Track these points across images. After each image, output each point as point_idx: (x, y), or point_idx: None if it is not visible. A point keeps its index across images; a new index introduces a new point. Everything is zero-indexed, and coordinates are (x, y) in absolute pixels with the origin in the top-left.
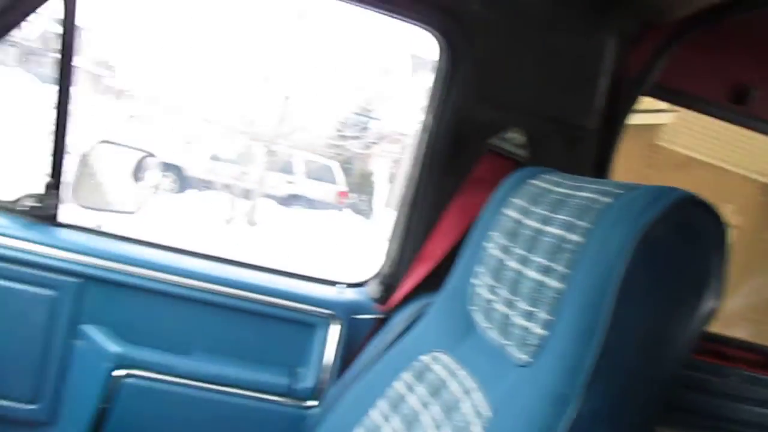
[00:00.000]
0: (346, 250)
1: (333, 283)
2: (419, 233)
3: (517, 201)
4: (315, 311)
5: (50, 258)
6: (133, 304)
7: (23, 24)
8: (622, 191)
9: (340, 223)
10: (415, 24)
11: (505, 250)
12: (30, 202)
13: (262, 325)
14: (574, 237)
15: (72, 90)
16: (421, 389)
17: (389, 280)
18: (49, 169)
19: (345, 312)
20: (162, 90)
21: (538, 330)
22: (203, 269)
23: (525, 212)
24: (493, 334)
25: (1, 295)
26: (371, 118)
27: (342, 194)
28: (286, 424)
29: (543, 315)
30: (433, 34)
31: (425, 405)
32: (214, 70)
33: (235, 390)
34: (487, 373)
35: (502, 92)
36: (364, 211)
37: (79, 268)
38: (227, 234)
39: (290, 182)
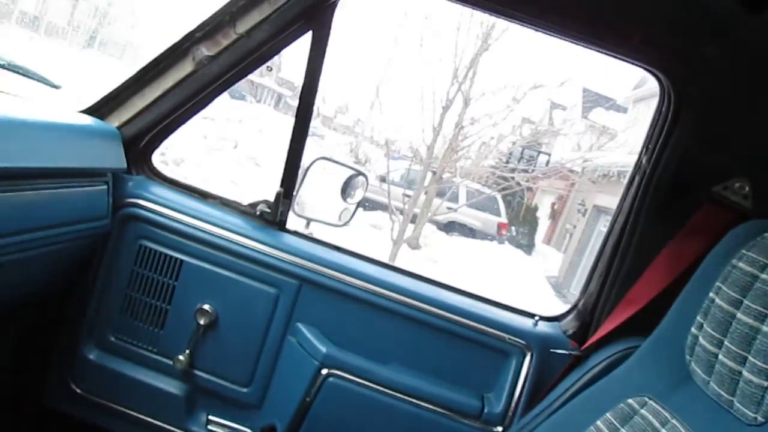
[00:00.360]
0: (509, 282)
1: (528, 314)
2: (624, 274)
3: (752, 254)
4: (510, 339)
5: (276, 259)
6: (342, 310)
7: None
8: None
9: (500, 255)
10: (636, 65)
11: (736, 303)
12: (263, 208)
13: (458, 346)
14: None
15: (311, 113)
16: None
17: (587, 318)
18: (281, 180)
19: (539, 344)
20: (336, 111)
21: None
22: (408, 286)
23: (761, 267)
24: (717, 389)
25: (233, 287)
26: (540, 152)
27: (503, 226)
28: None
29: None
30: (655, 75)
31: None
32: (392, 93)
33: (427, 404)
34: (706, 427)
35: (729, 137)
36: (523, 245)
37: (299, 271)
38: (392, 255)
39: (453, 209)
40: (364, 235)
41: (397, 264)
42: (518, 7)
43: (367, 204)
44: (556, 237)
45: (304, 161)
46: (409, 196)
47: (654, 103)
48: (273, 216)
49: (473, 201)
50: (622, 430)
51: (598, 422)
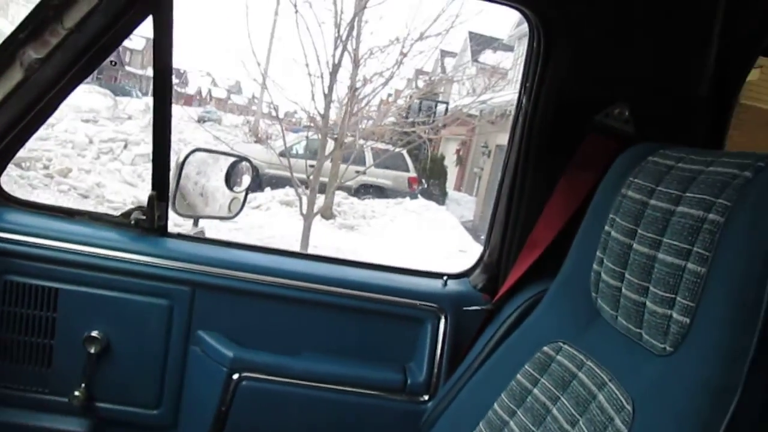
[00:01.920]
0: (427, 237)
1: (436, 275)
2: (523, 220)
3: (639, 181)
4: (421, 305)
5: (162, 268)
6: (242, 309)
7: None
8: (763, 164)
9: (415, 209)
10: (502, 3)
11: (631, 234)
12: (137, 216)
13: (370, 322)
14: (713, 216)
15: (170, 104)
16: (546, 382)
17: (494, 270)
18: (152, 182)
19: (452, 304)
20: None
21: (679, 317)
22: (308, 270)
23: (650, 192)
24: (624, 323)
25: (120, 307)
26: (438, 101)
27: (413, 180)
28: (400, 419)
29: (683, 301)
30: (521, 11)
31: (553, 399)
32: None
33: (348, 388)
34: (620, 364)
35: (605, 66)
36: (436, 196)
37: (189, 276)
38: (306, 228)
39: (361, 172)
40: (275, 213)
41: (293, 249)
42: None
43: (274, 181)
44: (466, 182)
45: (178, 157)
46: (313, 167)
47: None
48: (150, 222)
49: (380, 160)
50: (542, 380)
51: (518, 376)
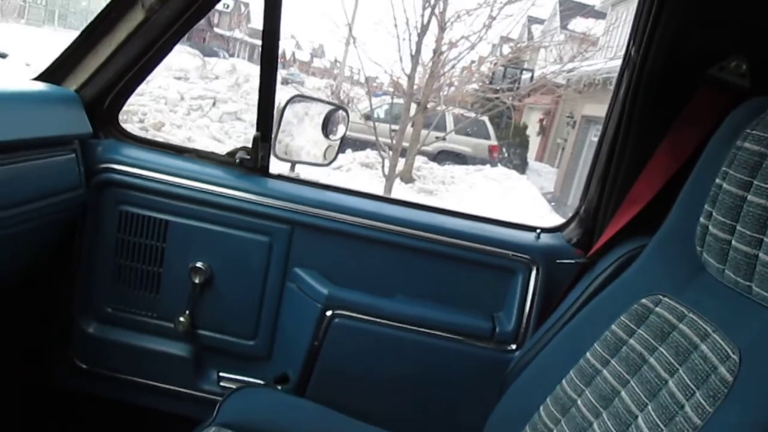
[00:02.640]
0: (507, 205)
1: (529, 228)
2: (623, 174)
3: (757, 132)
4: (514, 256)
5: (263, 206)
6: (338, 249)
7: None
8: None
9: (494, 178)
10: None
11: (746, 186)
12: (242, 156)
13: (461, 269)
14: None
15: (277, 49)
16: (643, 333)
17: (590, 225)
18: (256, 124)
19: (544, 256)
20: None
21: None
22: (404, 216)
23: None
24: (733, 276)
25: (223, 242)
26: (523, 69)
27: (494, 149)
28: (486, 366)
29: None
30: None
31: (650, 349)
32: (365, 28)
33: (437, 332)
34: (726, 316)
35: (719, 16)
36: (516, 165)
37: (289, 215)
38: (386, 191)
39: (441, 138)
40: (356, 175)
41: (418, 195)
42: None
43: (356, 143)
44: (548, 153)
45: (279, 102)
46: (395, 130)
47: (631, 3)
48: (253, 162)
49: (461, 126)
50: (639, 330)
51: (614, 326)
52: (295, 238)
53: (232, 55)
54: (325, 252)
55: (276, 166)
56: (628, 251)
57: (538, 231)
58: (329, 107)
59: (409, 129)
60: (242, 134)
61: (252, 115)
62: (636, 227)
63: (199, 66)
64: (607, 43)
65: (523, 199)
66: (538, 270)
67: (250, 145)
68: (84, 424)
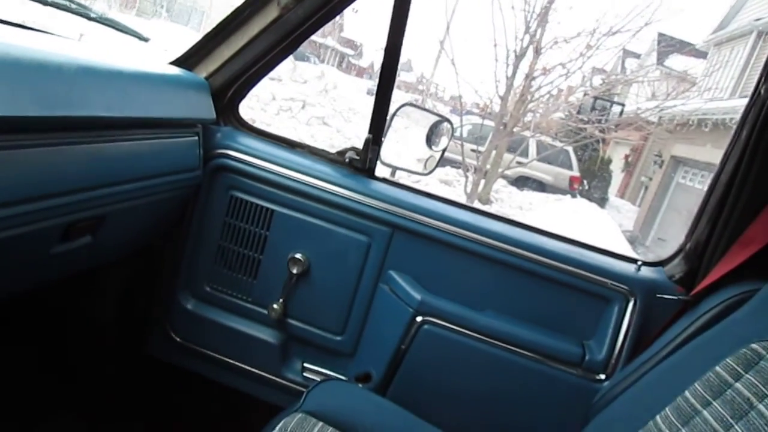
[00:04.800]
0: (583, 238)
1: (629, 259)
2: (738, 215)
3: None
4: (612, 285)
5: (367, 206)
6: (435, 256)
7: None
8: None
9: (573, 209)
10: None
11: None
12: (352, 156)
13: (556, 292)
14: None
15: (398, 58)
16: (752, 378)
17: (695, 262)
18: (369, 127)
19: (643, 289)
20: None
21: None
22: (503, 231)
23: None
24: None
25: (324, 236)
26: (613, 102)
27: (575, 180)
28: (572, 393)
29: None
30: None
31: (760, 396)
32: (457, 46)
33: (525, 352)
34: None
35: None
36: (596, 199)
37: (390, 218)
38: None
39: (523, 163)
40: (434, 191)
41: (494, 211)
42: None
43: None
44: (631, 190)
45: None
46: (476, 151)
47: (739, 45)
48: (362, 163)
49: (544, 155)
50: (747, 375)
51: (718, 368)
52: (394, 241)
53: (322, 62)
54: (421, 258)
55: (378, 170)
56: (737, 293)
57: (639, 263)
58: (436, 118)
59: (490, 150)
60: (327, 139)
61: (337, 122)
62: (747, 270)
63: (291, 69)
64: (705, 84)
65: (601, 233)
66: (635, 302)
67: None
68: (169, 393)
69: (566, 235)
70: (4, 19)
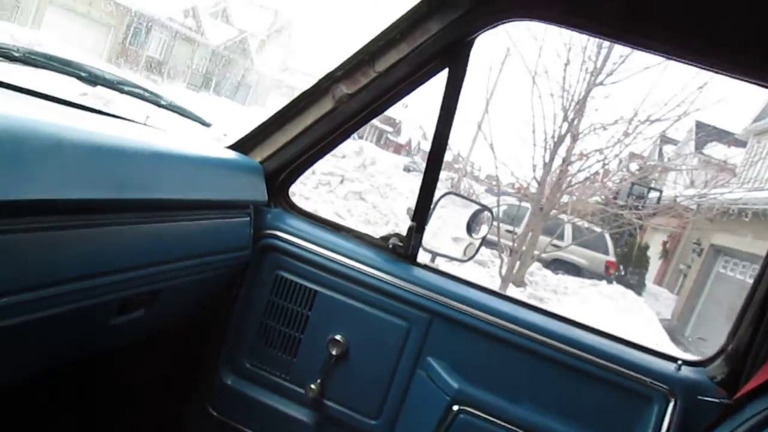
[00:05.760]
0: (619, 326)
1: (669, 358)
2: None
3: None
4: (652, 384)
5: (408, 292)
6: (473, 345)
7: None
8: None
9: (609, 295)
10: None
11: None
12: (395, 242)
13: (594, 388)
14: None
15: (445, 148)
16: None
17: (738, 364)
18: (413, 214)
19: (683, 390)
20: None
21: None
22: (542, 323)
23: None
24: None
25: (365, 319)
26: (651, 188)
27: (611, 265)
28: None
29: None
30: None
31: None
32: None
33: None
34: None
35: None
36: (633, 285)
37: (430, 305)
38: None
39: (559, 247)
40: (468, 272)
41: (529, 301)
42: (634, 29)
43: None
44: (669, 277)
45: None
46: (512, 232)
47: None
48: (405, 249)
49: (581, 239)
50: None
51: None
52: (433, 327)
53: (361, 137)
54: (459, 345)
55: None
56: None
57: (680, 363)
58: (476, 207)
59: (525, 232)
60: (363, 214)
61: (374, 197)
62: None
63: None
64: (745, 175)
65: (638, 322)
66: (676, 403)
67: (375, 229)
68: None
69: (605, 330)
70: (85, 105)
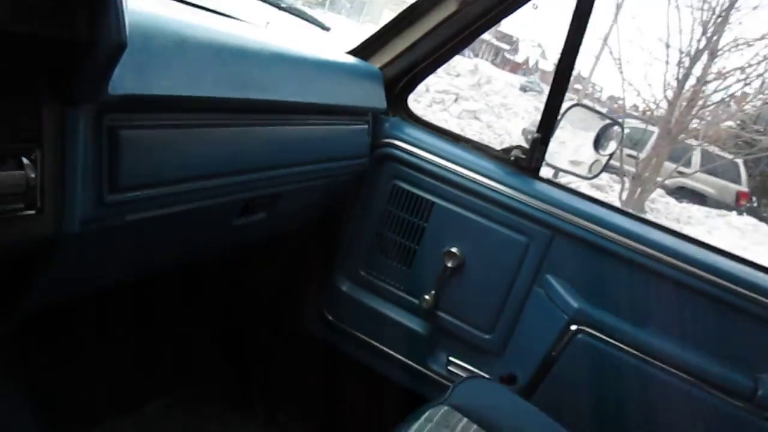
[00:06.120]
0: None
1: None
2: None
3: None
4: None
5: (529, 206)
6: (596, 265)
7: None
8: None
9: (739, 227)
10: None
11: None
12: (517, 154)
13: (728, 317)
14: None
15: (576, 56)
16: None
17: None
18: (538, 125)
19: None
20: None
21: None
22: (673, 245)
23: None
24: None
25: (482, 232)
26: None
27: (743, 196)
28: (738, 429)
29: None
30: None
31: None
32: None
33: (687, 377)
34: None
35: None
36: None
37: (552, 221)
38: None
39: (685, 173)
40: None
41: (662, 222)
42: None
43: None
44: None
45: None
46: (634, 157)
47: None
48: (528, 162)
49: (710, 166)
50: None
51: None
52: (554, 244)
53: (476, 56)
54: (580, 264)
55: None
56: None
57: None
58: (605, 121)
59: (649, 157)
60: (477, 133)
61: (488, 117)
62: None
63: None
64: None
65: None
66: None
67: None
68: (316, 367)
69: (743, 256)
70: (207, 6)
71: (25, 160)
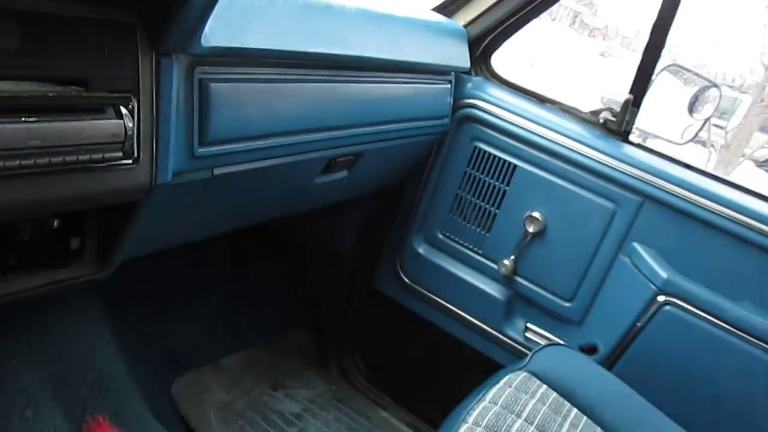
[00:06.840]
0: None
1: None
2: None
3: None
4: None
5: (617, 171)
6: (688, 234)
7: None
8: None
9: None
10: None
11: None
12: (607, 116)
13: None
14: None
15: (674, 15)
16: None
17: None
18: (631, 86)
19: None
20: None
21: None
22: None
23: None
24: None
25: (566, 197)
26: None
27: None
28: None
29: None
30: None
31: None
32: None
33: None
34: None
35: None
36: None
37: (642, 187)
38: None
39: None
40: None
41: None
42: None
43: None
44: None
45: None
46: (718, 126)
47: None
48: (618, 125)
49: None
50: None
51: None
52: (643, 211)
53: (553, 20)
54: (671, 233)
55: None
56: None
57: None
58: (702, 83)
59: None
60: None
61: (566, 83)
62: None
63: None
64: None
65: None
66: None
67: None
68: (392, 329)
69: None
70: None
71: (123, 110)
